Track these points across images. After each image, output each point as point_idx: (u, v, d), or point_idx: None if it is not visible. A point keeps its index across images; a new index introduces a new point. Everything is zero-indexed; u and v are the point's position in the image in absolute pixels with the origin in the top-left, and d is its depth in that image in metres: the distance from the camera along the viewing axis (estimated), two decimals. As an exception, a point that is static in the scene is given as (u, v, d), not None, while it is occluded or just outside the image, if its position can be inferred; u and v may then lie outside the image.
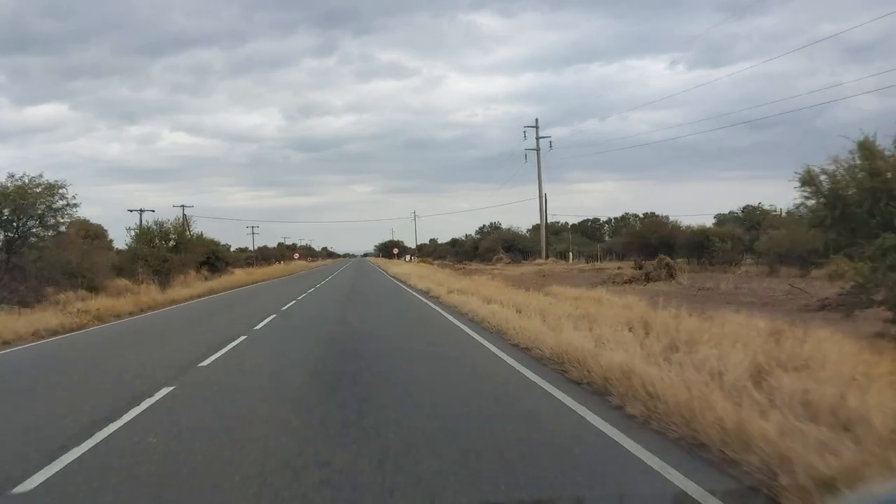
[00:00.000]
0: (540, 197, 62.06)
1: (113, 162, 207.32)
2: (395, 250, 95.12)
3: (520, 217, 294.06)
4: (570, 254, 65.10)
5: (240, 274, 52.69)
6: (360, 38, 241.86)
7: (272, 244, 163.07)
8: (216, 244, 73.31)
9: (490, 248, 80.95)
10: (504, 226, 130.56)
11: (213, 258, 72.04)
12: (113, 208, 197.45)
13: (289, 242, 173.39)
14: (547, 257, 61.66)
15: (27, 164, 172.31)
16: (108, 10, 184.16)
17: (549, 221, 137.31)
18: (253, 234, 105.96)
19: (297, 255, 78.49)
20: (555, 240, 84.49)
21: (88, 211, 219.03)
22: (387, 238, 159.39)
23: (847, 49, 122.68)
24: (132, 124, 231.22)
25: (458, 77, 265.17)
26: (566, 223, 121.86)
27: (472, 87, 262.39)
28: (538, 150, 63.20)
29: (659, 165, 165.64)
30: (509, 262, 70.94)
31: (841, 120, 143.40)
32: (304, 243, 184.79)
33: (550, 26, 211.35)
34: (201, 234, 75.28)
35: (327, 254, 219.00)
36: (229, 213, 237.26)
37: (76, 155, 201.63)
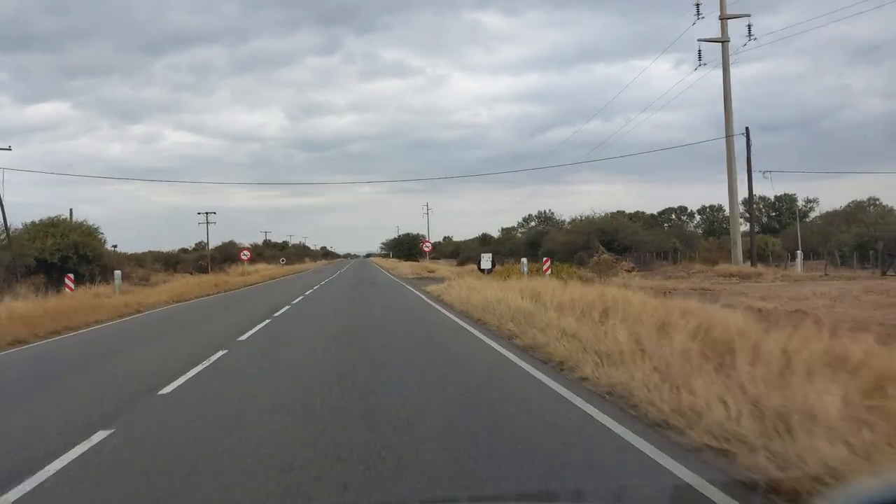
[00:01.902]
0: (738, 137, 29.59)
1: (113, 161, 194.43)
2: (428, 245, 59.21)
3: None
4: (799, 253, 31.88)
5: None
6: (363, 36, 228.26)
7: (272, 243, 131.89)
8: (89, 233, 41.01)
9: (580, 244, 48.67)
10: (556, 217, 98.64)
11: (76, 259, 39.70)
12: (114, 208, 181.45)
13: (278, 240, 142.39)
14: (752, 260, 29.14)
15: (28, 163, 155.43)
16: (108, 8, 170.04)
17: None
18: (207, 223, 74.17)
19: (244, 256, 46.47)
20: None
21: (89, 211, 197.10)
22: (392, 236, 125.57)
23: (854, 50, 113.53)
24: (134, 123, 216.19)
25: (462, 76, 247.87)
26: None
27: (476, 86, 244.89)
28: (724, 41, 30.81)
29: (663, 167, 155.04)
30: (633, 269, 39.49)
31: (848, 121, 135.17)
32: (296, 241, 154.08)
33: (555, 25, 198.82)
34: (54, 219, 42.58)
35: (324, 254, 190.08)
36: (231, 213, 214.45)
37: (77, 154, 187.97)
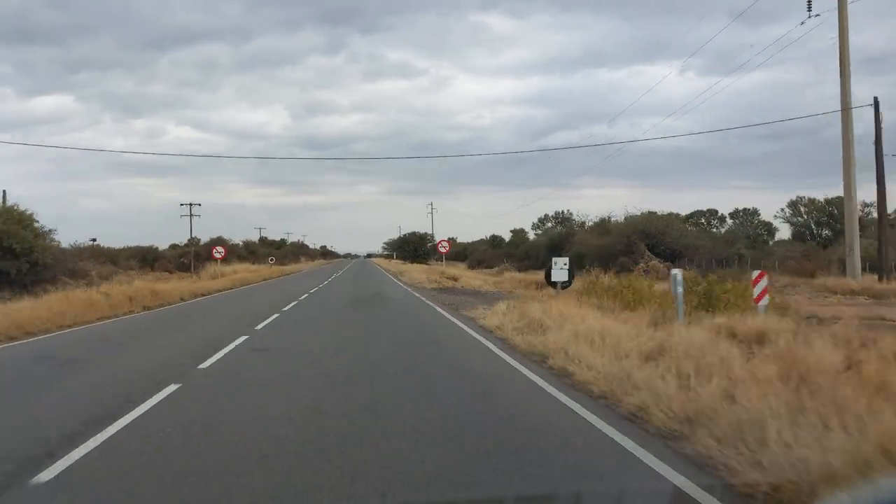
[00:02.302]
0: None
1: (116, 155, 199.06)
2: (445, 244, 46.01)
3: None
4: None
5: None
6: (367, 36, 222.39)
7: (269, 241, 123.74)
8: (18, 220, 33.54)
9: (620, 248, 41.37)
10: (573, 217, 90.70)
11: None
12: (116, 202, 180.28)
13: (276, 238, 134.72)
14: (883, 273, 21.62)
15: (32, 154, 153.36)
16: (109, 4, 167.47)
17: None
18: (191, 216, 66.82)
19: (217, 254, 38.65)
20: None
21: (91, 205, 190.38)
22: (393, 236, 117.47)
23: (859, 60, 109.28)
24: (136, 118, 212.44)
25: (465, 78, 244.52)
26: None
27: (479, 88, 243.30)
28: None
29: (667, 173, 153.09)
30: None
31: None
32: (295, 239, 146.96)
33: (559, 27, 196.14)
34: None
35: (323, 253, 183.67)
36: (234, 210, 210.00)
37: (80, 147, 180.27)
